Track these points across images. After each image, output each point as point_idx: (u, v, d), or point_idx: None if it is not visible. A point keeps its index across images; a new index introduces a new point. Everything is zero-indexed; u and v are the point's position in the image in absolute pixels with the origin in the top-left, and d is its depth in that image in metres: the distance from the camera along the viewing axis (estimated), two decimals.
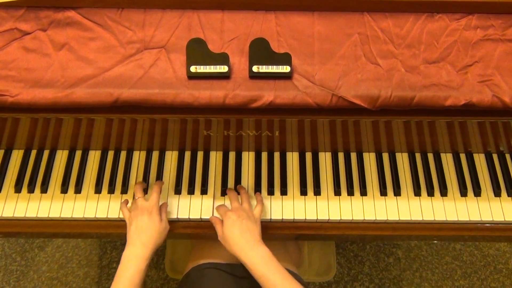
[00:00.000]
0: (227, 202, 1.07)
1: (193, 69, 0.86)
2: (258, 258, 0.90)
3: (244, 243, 0.92)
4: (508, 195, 1.09)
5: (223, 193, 1.09)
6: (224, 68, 0.86)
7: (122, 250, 0.94)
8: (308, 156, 1.13)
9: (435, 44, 0.91)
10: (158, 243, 0.96)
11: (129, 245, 0.93)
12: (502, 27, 0.93)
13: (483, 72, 0.89)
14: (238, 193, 1.06)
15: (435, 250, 1.84)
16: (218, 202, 1.08)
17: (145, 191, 1.06)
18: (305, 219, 1.07)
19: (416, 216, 1.07)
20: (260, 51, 0.87)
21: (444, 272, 1.80)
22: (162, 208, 1.02)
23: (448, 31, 0.92)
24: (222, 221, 0.99)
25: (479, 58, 0.90)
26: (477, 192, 1.09)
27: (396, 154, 1.14)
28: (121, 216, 1.06)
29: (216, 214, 1.05)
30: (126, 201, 1.05)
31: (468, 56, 0.90)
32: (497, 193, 1.09)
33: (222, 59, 0.86)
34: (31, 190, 1.08)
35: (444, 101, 0.86)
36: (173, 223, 1.07)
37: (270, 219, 1.07)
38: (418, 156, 1.14)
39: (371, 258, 1.82)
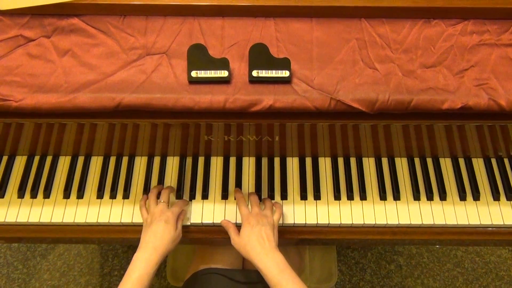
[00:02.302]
0: (229, 207, 1.08)
1: (194, 74, 0.87)
2: (274, 265, 0.91)
3: (260, 250, 0.92)
4: (507, 199, 1.10)
5: (224, 197, 1.10)
6: (224, 73, 0.88)
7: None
8: (308, 161, 1.15)
9: (431, 49, 0.93)
10: (169, 249, 0.97)
11: (142, 248, 0.95)
12: (497, 32, 0.94)
13: (479, 76, 0.90)
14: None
15: (437, 257, 1.84)
16: (219, 207, 1.08)
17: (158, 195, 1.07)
18: (305, 223, 1.08)
19: (416, 220, 1.07)
20: (260, 56, 0.89)
21: (446, 279, 1.80)
22: (180, 216, 1.03)
23: (445, 36, 0.94)
24: (235, 226, 1.00)
25: (475, 63, 0.91)
26: (476, 196, 1.10)
27: (395, 159, 1.15)
28: (123, 221, 1.07)
29: (216, 219, 1.06)
30: (146, 197, 1.07)
31: (464, 61, 0.92)
32: (496, 197, 1.10)
33: (223, 64, 0.88)
34: (34, 195, 1.10)
35: (441, 105, 0.87)
36: None
37: None
38: (417, 161, 1.15)
39: (372, 265, 1.82)
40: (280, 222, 1.07)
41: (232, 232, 0.99)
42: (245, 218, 0.98)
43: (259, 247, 0.92)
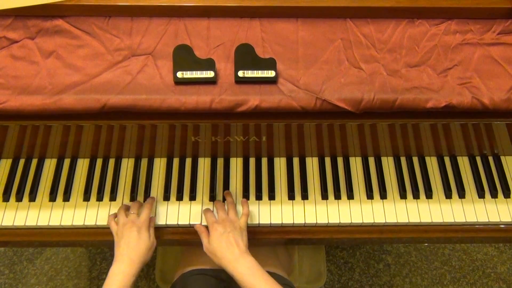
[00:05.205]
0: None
1: (179, 74, 0.87)
2: (245, 269, 0.91)
3: (230, 256, 0.93)
4: (492, 197, 1.11)
5: (212, 198, 1.09)
6: (210, 74, 0.88)
7: (112, 261, 0.94)
8: (296, 161, 1.15)
9: (415, 49, 0.94)
10: (146, 259, 0.96)
11: (117, 261, 0.93)
12: (480, 32, 0.96)
13: (462, 75, 0.91)
14: (225, 199, 1.07)
15: (424, 255, 1.85)
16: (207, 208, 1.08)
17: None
18: (293, 223, 1.08)
19: (402, 219, 1.08)
20: (246, 56, 0.89)
21: (434, 277, 1.81)
22: (150, 224, 1.02)
23: (428, 36, 0.95)
24: (208, 231, 1.00)
25: (459, 62, 0.93)
26: (462, 194, 1.11)
27: (382, 158, 1.16)
28: None
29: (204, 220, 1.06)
30: (114, 215, 1.05)
31: (448, 60, 0.93)
32: (481, 195, 1.11)
33: (208, 64, 0.88)
34: (19, 198, 1.08)
35: (425, 103, 0.88)
36: (162, 229, 1.08)
37: (259, 224, 1.08)
38: (403, 160, 1.16)
39: (361, 264, 1.83)
40: (268, 222, 1.07)
41: (204, 238, 0.99)
42: (212, 227, 0.98)
43: (229, 254, 0.93)
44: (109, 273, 0.92)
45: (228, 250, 0.93)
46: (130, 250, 0.94)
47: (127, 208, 1.04)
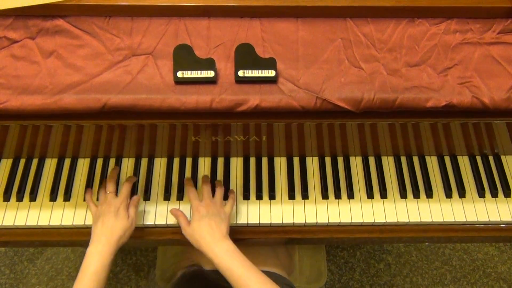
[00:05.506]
0: None
1: (180, 74, 0.87)
2: (223, 252, 0.91)
3: (210, 239, 0.93)
4: (492, 196, 1.11)
5: None
6: (210, 73, 0.88)
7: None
8: (296, 160, 1.15)
9: (415, 48, 0.94)
10: (124, 240, 0.96)
11: (94, 241, 0.93)
12: (480, 31, 0.96)
13: (462, 74, 0.91)
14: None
15: (425, 255, 1.86)
16: None
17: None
18: (294, 223, 1.08)
19: (403, 218, 1.08)
20: (246, 56, 0.89)
21: (434, 277, 1.81)
22: (132, 202, 1.02)
23: (428, 35, 0.95)
24: (184, 214, 1.01)
25: (459, 61, 0.93)
26: (462, 194, 1.11)
27: (382, 157, 1.16)
28: None
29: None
30: (91, 192, 1.05)
31: (448, 59, 0.93)
32: (481, 194, 1.11)
33: (209, 64, 0.88)
34: (20, 198, 1.09)
35: (426, 103, 0.88)
36: (162, 229, 1.08)
37: (259, 223, 1.08)
38: (403, 159, 1.16)
39: (361, 264, 1.83)
40: (268, 222, 1.07)
41: (182, 222, 0.99)
42: (195, 209, 0.98)
43: (208, 236, 0.93)
44: (86, 253, 0.91)
45: (208, 233, 0.93)
46: (106, 231, 0.94)
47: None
